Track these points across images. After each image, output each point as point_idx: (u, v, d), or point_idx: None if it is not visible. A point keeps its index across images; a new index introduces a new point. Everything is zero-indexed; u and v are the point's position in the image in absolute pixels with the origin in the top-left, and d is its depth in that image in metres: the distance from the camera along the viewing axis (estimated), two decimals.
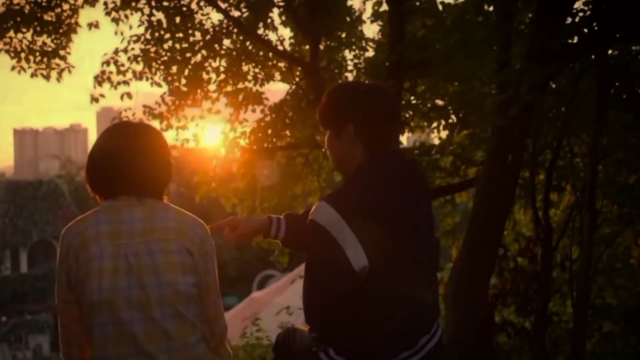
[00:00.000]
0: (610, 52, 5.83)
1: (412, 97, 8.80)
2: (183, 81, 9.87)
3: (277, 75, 10.46)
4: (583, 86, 5.85)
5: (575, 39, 5.77)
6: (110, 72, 9.53)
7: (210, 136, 11.51)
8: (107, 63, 9.51)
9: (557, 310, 6.78)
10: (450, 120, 8.21)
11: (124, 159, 2.50)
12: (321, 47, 9.77)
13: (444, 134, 8.81)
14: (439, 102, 8.63)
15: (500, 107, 5.27)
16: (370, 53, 10.67)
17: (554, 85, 6.25)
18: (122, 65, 9.55)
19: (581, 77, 5.78)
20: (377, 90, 2.74)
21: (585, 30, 5.66)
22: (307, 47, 9.96)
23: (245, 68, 10.34)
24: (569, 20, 5.67)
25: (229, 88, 10.31)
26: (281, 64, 10.44)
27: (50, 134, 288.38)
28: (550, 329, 6.18)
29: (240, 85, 10.38)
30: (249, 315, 23.60)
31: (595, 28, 5.60)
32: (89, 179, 2.57)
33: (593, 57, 5.65)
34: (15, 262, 44.54)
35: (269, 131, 9.88)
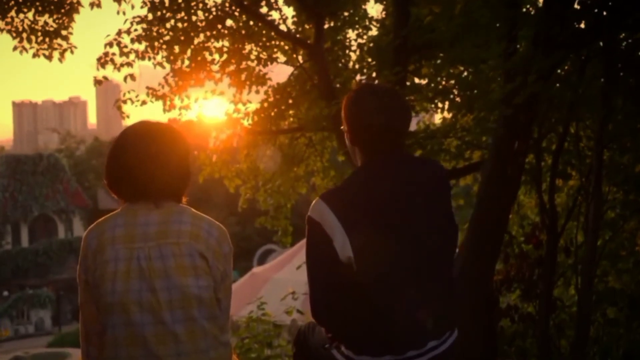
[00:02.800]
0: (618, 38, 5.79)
1: (416, 79, 8.78)
2: (186, 62, 9.82)
3: (281, 57, 10.40)
4: (589, 73, 5.82)
5: (583, 25, 5.74)
6: (113, 54, 9.49)
7: (212, 110, 11.49)
8: (110, 45, 9.45)
9: (560, 293, 6.80)
10: (456, 101, 8.15)
11: (142, 163, 2.52)
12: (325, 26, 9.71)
13: (448, 114, 8.80)
14: (443, 83, 8.61)
15: (507, 95, 5.25)
16: (373, 32, 10.61)
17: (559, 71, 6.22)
18: (125, 46, 9.49)
19: (587, 63, 5.74)
20: (379, 98, 2.76)
21: (593, 16, 5.62)
22: (310, 26, 9.90)
23: (248, 47, 10.27)
24: (577, 6, 5.64)
25: (232, 67, 10.26)
26: (284, 44, 10.37)
27: (49, 106, 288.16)
28: (554, 315, 6.20)
29: (243, 65, 10.32)
30: (250, 291, 23.77)
31: (604, 13, 5.58)
32: (108, 182, 2.60)
33: (600, 44, 5.61)
34: (16, 237, 44.65)
35: (272, 112, 9.84)
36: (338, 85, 9.25)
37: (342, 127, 2.91)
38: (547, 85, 5.32)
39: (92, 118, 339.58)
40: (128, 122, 10.42)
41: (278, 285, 24.57)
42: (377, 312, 2.59)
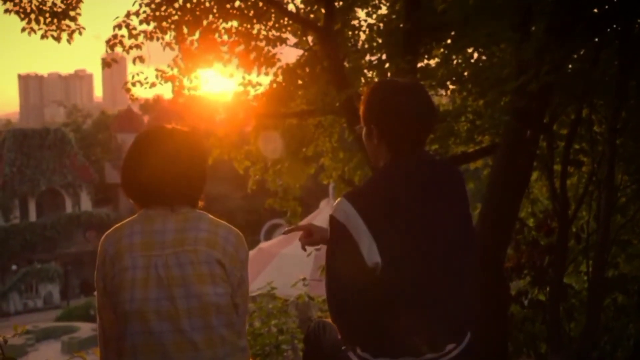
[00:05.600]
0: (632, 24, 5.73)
1: (426, 61, 8.72)
2: (195, 44, 9.75)
3: (290, 38, 10.31)
4: (602, 60, 5.77)
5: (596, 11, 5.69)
6: (122, 36, 9.43)
7: (221, 85, 11.43)
8: (119, 27, 9.39)
9: (570, 280, 6.80)
10: (467, 85, 8.10)
11: (158, 169, 2.52)
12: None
13: (458, 98, 8.75)
14: (455, 63, 8.54)
15: (519, 85, 5.22)
16: (383, 11, 10.49)
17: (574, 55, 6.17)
18: (134, 29, 9.43)
19: (601, 50, 5.70)
20: (409, 93, 2.71)
21: (607, 3, 5.58)
22: (318, 7, 9.80)
23: (256, 28, 10.18)
24: None
25: (240, 48, 10.17)
26: (293, 24, 10.26)
27: (55, 79, 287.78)
28: (564, 303, 6.23)
29: (251, 45, 10.23)
30: (257, 266, 23.81)
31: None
32: (124, 187, 2.60)
33: (614, 31, 5.57)
34: (24, 211, 44.92)
35: (282, 93, 9.77)
36: (346, 65, 9.18)
37: (357, 127, 2.87)
38: (560, 74, 5.29)
39: (98, 91, 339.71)
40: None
41: (285, 261, 24.76)
42: (398, 317, 2.58)
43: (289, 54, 10.52)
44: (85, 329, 30.94)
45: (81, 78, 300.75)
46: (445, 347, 2.64)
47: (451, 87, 8.63)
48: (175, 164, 2.54)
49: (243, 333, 2.65)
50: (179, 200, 2.55)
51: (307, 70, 9.51)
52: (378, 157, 2.77)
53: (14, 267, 41.28)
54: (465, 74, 8.20)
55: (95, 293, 2.58)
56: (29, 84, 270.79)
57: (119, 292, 2.42)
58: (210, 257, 2.46)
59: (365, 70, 9.29)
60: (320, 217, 27.80)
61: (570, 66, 6.07)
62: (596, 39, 5.63)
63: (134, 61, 9.40)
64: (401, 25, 7.90)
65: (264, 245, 30.28)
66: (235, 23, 9.93)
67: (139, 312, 2.39)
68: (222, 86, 11.97)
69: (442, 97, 9.45)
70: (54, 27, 9.54)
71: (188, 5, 9.74)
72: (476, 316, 2.81)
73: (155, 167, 2.53)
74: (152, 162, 2.53)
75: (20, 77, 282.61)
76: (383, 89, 2.79)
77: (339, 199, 2.64)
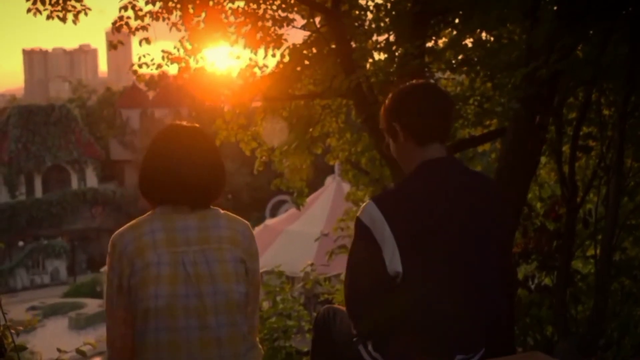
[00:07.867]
0: None
1: (434, 42, 8.66)
2: (201, 25, 9.67)
3: (297, 18, 10.22)
4: (612, 44, 5.73)
5: None
6: (128, 17, 9.37)
7: (226, 62, 11.36)
8: (125, 8, 9.34)
9: (577, 264, 6.80)
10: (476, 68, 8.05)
11: (180, 169, 2.53)
12: None
13: (466, 80, 8.70)
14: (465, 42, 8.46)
15: (529, 72, 5.19)
16: None
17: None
18: (140, 10, 9.36)
19: (610, 36, 5.65)
20: (425, 90, 2.81)
21: None
22: None
23: (263, 7, 10.10)
24: None
25: (247, 28, 10.09)
26: (300, 5, 10.18)
27: (59, 54, 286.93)
28: (571, 288, 6.22)
29: (259, 24, 10.14)
30: (263, 243, 23.80)
31: None
32: (141, 185, 2.60)
33: (625, 15, 5.52)
34: (30, 188, 45.13)
35: (288, 74, 9.70)
36: (354, 44, 9.11)
37: (380, 126, 2.86)
38: (570, 61, 5.25)
39: (102, 66, 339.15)
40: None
41: (291, 238, 24.93)
42: (412, 325, 2.61)
43: (296, 36, 10.45)
44: (92, 305, 31.17)
45: (86, 53, 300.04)
46: (454, 357, 2.65)
47: (459, 69, 8.58)
48: (198, 164, 2.56)
49: (255, 329, 2.69)
50: (198, 201, 2.57)
51: (315, 51, 9.45)
52: (407, 158, 2.77)
53: (20, 243, 41.50)
54: (474, 55, 8.15)
55: (105, 291, 2.57)
56: (33, 59, 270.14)
57: (142, 289, 2.42)
58: (235, 255, 2.51)
59: (373, 51, 9.23)
60: (325, 194, 27.93)
61: (580, 47, 6.03)
62: (606, 24, 5.57)
63: (140, 43, 9.36)
64: (409, 5, 7.84)
65: (269, 222, 30.42)
66: (241, 3, 9.86)
67: (167, 309, 2.40)
68: (229, 63, 11.88)
69: (448, 81, 9.37)
70: (59, 7, 9.46)
71: None
72: (498, 334, 2.80)
73: (179, 167, 2.53)
74: (176, 162, 2.54)
75: (24, 52, 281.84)
76: (401, 91, 2.83)
77: (367, 202, 2.65)
